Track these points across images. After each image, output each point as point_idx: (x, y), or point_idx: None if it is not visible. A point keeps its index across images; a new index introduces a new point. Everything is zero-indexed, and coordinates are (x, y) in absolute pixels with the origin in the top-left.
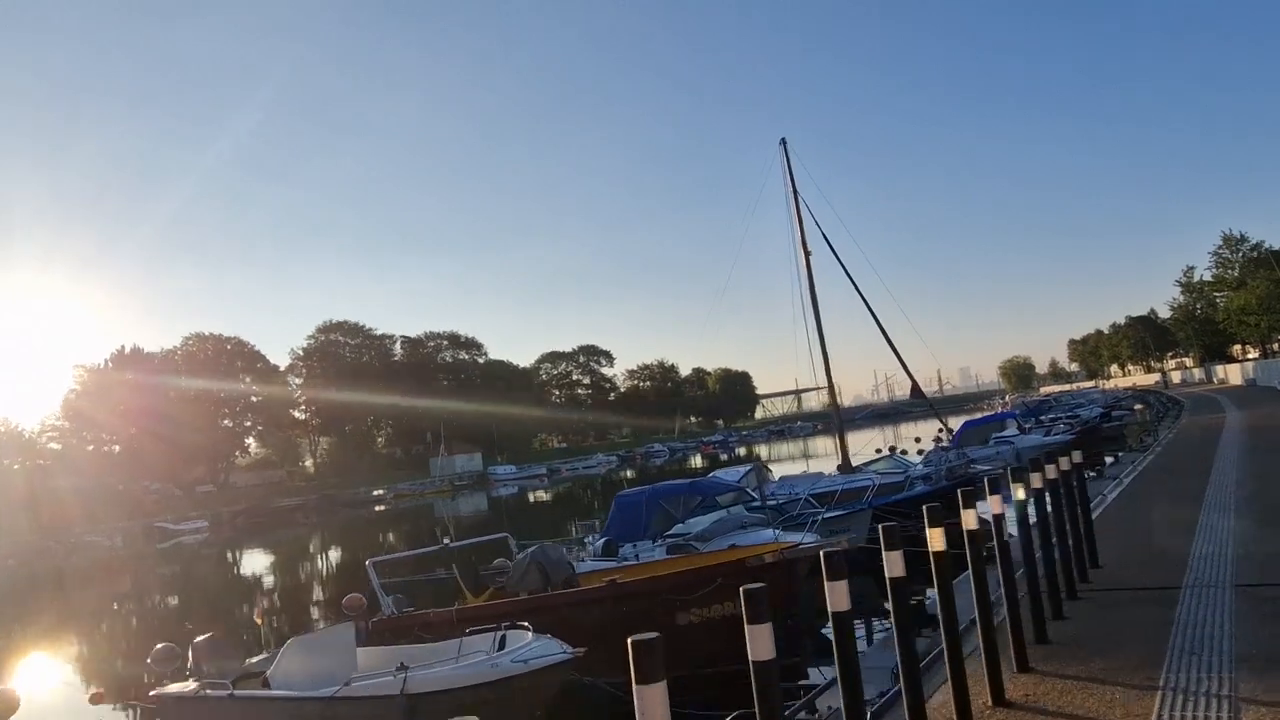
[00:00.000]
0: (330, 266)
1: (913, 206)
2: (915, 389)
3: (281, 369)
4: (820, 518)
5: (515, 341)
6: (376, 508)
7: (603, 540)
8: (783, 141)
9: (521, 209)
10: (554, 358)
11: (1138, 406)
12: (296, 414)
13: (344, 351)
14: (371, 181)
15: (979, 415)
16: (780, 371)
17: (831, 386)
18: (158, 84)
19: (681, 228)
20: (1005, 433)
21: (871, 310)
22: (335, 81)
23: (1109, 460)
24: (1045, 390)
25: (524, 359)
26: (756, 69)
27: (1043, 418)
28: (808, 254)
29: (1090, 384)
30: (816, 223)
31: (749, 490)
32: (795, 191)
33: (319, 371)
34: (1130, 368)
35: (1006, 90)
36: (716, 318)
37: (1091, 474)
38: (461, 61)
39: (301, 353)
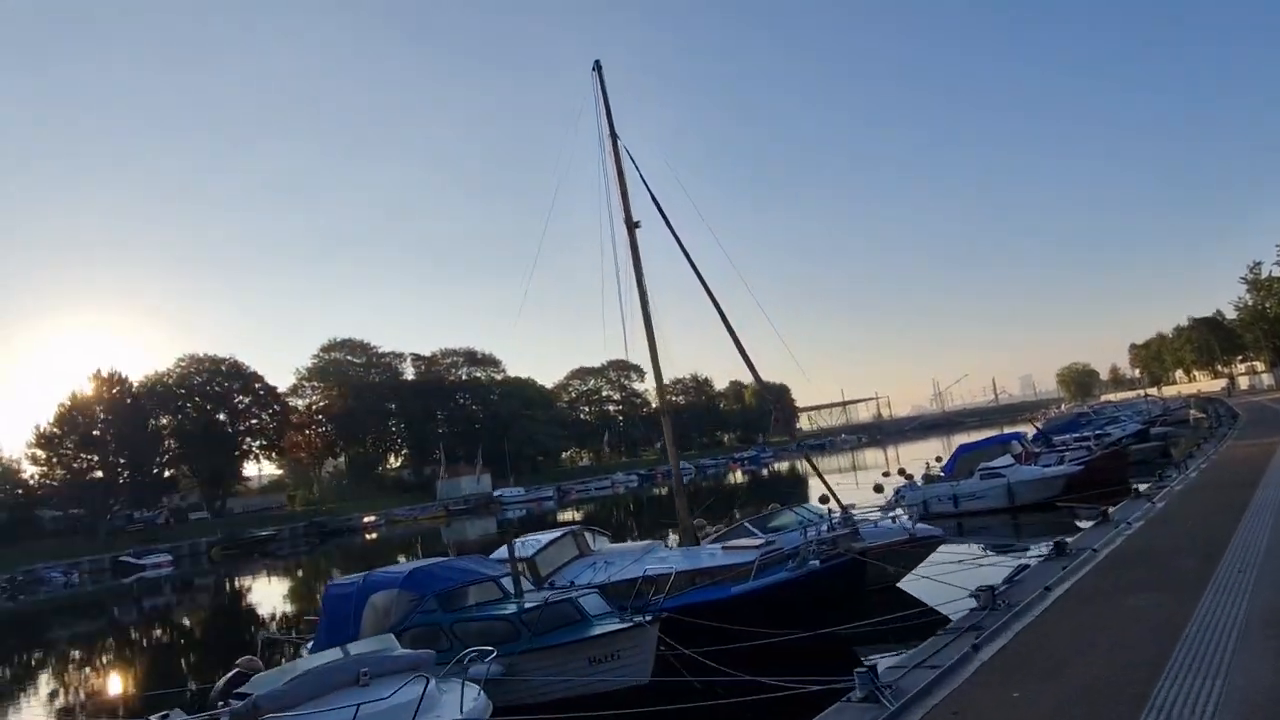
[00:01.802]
0: (355, 287)
1: (963, 209)
2: (775, 415)
3: (280, 391)
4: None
5: (545, 361)
6: (368, 535)
7: (238, 668)
8: (596, 65)
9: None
10: (583, 373)
11: (1194, 413)
12: (298, 436)
13: (350, 370)
14: (398, 200)
15: (991, 434)
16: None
17: (661, 386)
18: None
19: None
20: (997, 462)
21: (714, 298)
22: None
23: (1137, 489)
24: (1105, 399)
25: (553, 379)
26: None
27: (1058, 439)
28: (632, 225)
29: (1142, 393)
30: (643, 178)
31: (502, 582)
32: (613, 134)
33: (323, 392)
34: (1196, 373)
35: (1060, 77)
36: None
37: (1064, 543)
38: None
39: (305, 372)
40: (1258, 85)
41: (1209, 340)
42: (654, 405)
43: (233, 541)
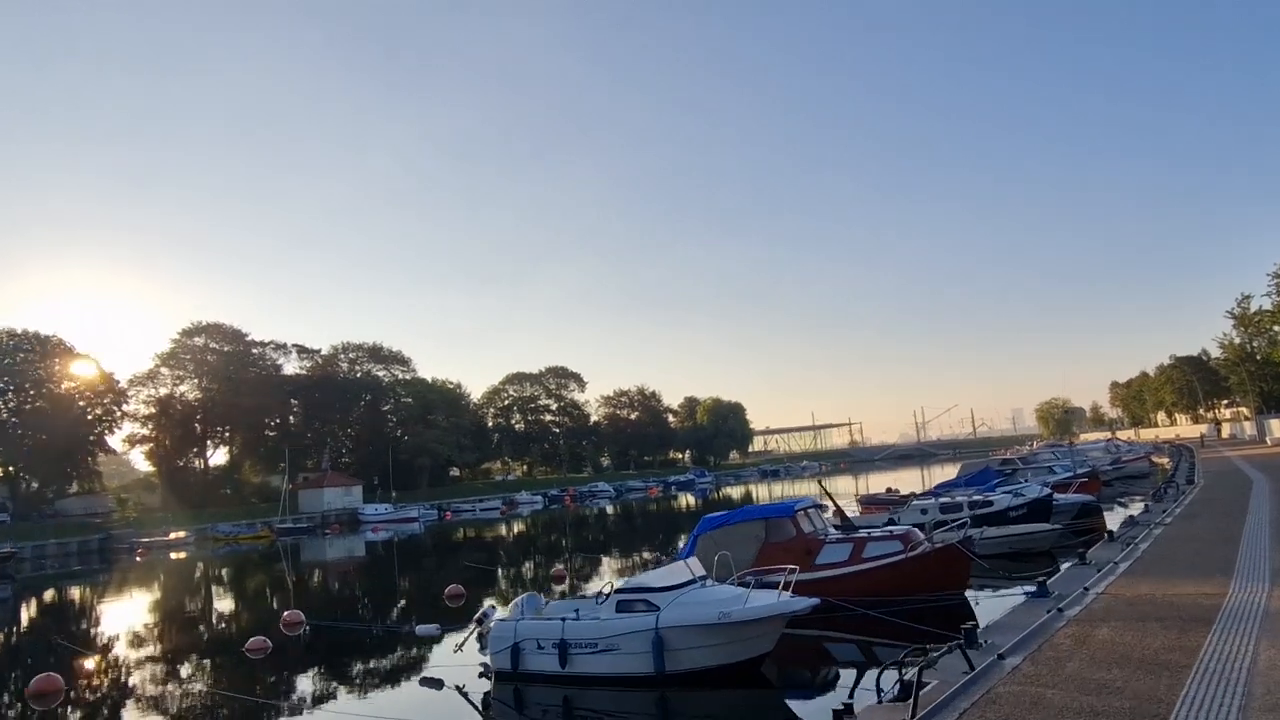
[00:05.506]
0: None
1: (962, 241)
2: None
3: (120, 379)
4: None
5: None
6: (172, 554)
7: None
8: None
9: (517, 234)
10: (519, 379)
11: (1164, 462)
12: (136, 429)
13: (211, 358)
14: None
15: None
16: None
17: None
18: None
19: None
20: (652, 576)
21: None
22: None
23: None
24: (1086, 438)
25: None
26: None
27: (919, 506)
28: None
29: (1072, 440)
30: None
31: None
32: None
33: (190, 382)
34: (1178, 416)
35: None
36: None
37: None
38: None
39: (159, 359)
40: (1256, 116)
41: (1191, 381)
42: (594, 418)
43: None
